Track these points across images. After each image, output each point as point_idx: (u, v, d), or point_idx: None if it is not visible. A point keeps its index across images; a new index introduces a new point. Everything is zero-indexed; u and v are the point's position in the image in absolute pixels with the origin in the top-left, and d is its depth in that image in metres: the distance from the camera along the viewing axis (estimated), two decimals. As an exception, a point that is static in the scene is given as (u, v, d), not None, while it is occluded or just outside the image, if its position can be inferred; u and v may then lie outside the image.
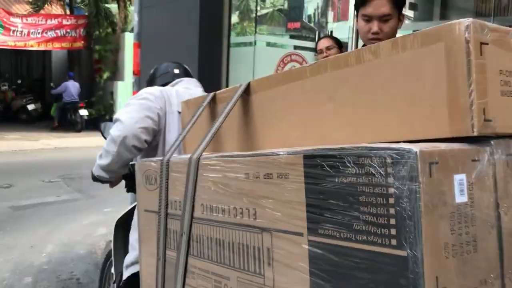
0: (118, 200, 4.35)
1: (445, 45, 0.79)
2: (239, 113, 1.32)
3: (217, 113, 1.39)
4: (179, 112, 1.91)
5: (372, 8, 1.97)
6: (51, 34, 14.17)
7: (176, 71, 2.39)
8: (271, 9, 17.00)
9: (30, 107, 15.34)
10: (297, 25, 15.21)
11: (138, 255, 1.74)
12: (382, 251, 0.72)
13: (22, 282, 3.99)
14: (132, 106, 1.95)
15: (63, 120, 14.36)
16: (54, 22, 14.33)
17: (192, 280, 1.23)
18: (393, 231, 0.70)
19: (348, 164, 0.77)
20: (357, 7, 2.03)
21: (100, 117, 14.01)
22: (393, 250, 0.71)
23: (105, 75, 14.68)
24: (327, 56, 3.03)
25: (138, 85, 5.03)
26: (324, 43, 3.33)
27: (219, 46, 4.18)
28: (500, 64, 0.80)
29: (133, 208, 2.24)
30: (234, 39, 4.40)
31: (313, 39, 9.28)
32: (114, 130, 1.89)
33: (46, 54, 17.49)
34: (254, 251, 1.00)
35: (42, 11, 15.27)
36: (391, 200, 0.71)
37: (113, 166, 1.97)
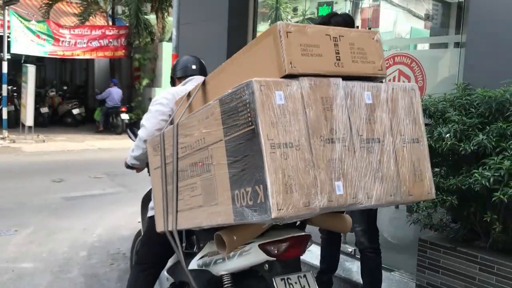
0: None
1: (273, 36, 1.67)
2: (201, 95, 2.30)
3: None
4: None
5: None
6: (95, 44, 15.13)
7: (193, 67, 3.05)
8: (301, 18, 17.56)
9: (75, 111, 16.27)
10: (325, 33, 15.71)
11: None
12: (249, 129, 1.56)
13: (79, 255, 4.77)
14: (150, 113, 2.78)
15: (106, 123, 15.28)
16: (98, 32, 15.31)
17: (180, 195, 2.12)
18: (250, 119, 1.54)
19: (233, 96, 1.62)
20: None
21: (139, 121, 14.89)
22: (251, 127, 1.55)
23: (144, 82, 15.55)
24: None
25: (175, 91, 5.80)
26: None
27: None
28: (300, 41, 1.67)
29: None
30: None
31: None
32: (141, 133, 2.76)
33: (89, 62, 18.48)
34: (206, 160, 1.86)
35: (87, 23, 16.30)
36: (248, 106, 1.55)
37: (142, 156, 2.81)
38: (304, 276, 2.15)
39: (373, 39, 1.88)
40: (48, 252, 4.79)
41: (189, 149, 1.98)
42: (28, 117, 12.80)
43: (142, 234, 3.08)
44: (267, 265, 2.14)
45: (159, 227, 2.39)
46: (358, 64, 1.82)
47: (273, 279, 2.08)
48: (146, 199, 3.21)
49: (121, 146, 12.41)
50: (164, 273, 2.93)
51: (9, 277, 4.13)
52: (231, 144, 1.66)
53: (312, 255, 3.94)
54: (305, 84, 1.65)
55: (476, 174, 2.23)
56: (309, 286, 2.12)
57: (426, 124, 3.24)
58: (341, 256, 3.59)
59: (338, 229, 2.30)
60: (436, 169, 2.61)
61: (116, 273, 4.32)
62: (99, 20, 17.44)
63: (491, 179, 2.16)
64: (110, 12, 17.21)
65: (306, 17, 19.06)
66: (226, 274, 2.31)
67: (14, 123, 13.91)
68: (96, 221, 5.92)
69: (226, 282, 2.32)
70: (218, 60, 4.93)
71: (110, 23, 16.95)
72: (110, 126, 15.14)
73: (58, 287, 3.99)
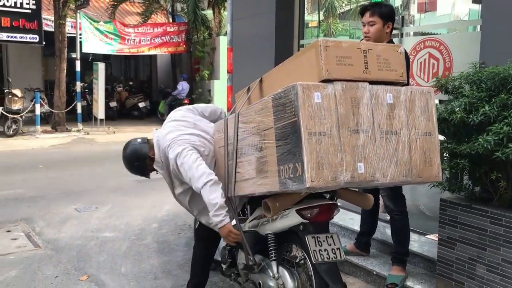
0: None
1: (315, 49, 2.11)
2: (259, 90, 2.75)
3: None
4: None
5: (364, 18, 3.35)
6: (158, 40, 16.03)
7: (139, 140, 3.31)
8: (354, 5, 17.60)
9: (141, 105, 17.31)
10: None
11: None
12: (292, 120, 2.04)
13: (151, 226, 5.47)
14: (196, 168, 2.80)
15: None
16: (160, 30, 16.19)
17: (238, 169, 2.64)
18: (294, 113, 2.01)
19: (283, 95, 2.08)
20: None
21: (200, 111, 15.66)
22: (294, 118, 2.01)
23: (205, 74, 16.29)
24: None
25: (231, 81, 6.34)
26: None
27: (290, 48, 5.30)
28: (336, 53, 2.10)
29: None
30: (303, 41, 5.51)
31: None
32: (215, 200, 2.88)
33: (152, 58, 19.52)
34: (259, 143, 2.33)
35: (149, 21, 17.27)
36: (292, 102, 2.01)
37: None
38: (331, 236, 2.63)
39: (397, 51, 2.31)
40: (125, 224, 5.54)
41: (247, 133, 2.49)
42: (100, 110, 13.91)
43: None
44: (301, 226, 2.65)
45: None
46: (383, 72, 2.25)
47: (305, 236, 2.59)
48: None
49: (184, 136, 13.24)
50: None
51: (95, 243, 4.88)
52: (279, 131, 2.15)
53: (354, 222, 4.41)
54: (338, 87, 2.10)
55: (480, 139, 2.62)
56: (335, 244, 2.60)
57: (442, 101, 3.62)
58: (379, 223, 4.03)
59: (361, 205, 2.80)
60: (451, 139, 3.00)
61: (184, 240, 4.97)
62: (159, 17, 18.37)
63: (492, 142, 2.54)
64: (170, 10, 18.10)
65: (359, 3, 19.03)
66: (271, 233, 2.88)
67: (87, 116, 15.10)
68: (164, 199, 6.57)
69: (270, 240, 2.89)
70: (268, 51, 5.48)
71: (170, 20, 17.81)
72: (173, 117, 15.98)
73: (135, 250, 4.69)
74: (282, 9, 5.33)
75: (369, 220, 3.91)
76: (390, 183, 2.24)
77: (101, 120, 14.02)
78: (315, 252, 2.54)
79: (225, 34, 16.80)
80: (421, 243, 3.86)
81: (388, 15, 3.31)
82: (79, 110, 14.14)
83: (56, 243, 4.88)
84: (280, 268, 2.86)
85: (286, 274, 2.82)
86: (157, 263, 4.35)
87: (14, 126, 12.55)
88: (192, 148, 2.88)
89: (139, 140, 3.32)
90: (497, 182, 2.75)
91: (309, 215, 2.58)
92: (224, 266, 3.47)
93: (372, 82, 2.21)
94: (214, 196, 2.70)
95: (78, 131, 13.64)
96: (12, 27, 12.70)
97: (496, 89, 2.78)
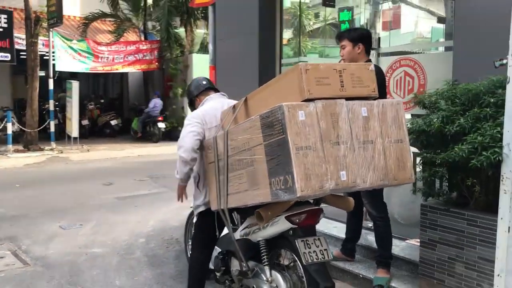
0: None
1: (296, 72, 2.37)
2: (244, 109, 2.94)
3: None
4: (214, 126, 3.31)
5: (340, 43, 3.76)
6: (131, 58, 16.10)
7: (204, 82, 3.65)
8: (322, 24, 18.11)
9: (113, 122, 17.18)
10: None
11: (199, 202, 3.45)
12: (281, 137, 2.27)
13: (138, 241, 5.56)
14: (186, 135, 3.22)
15: (143, 132, 16.16)
16: (133, 48, 16.29)
17: (230, 183, 2.85)
18: (282, 130, 2.26)
19: (270, 114, 2.33)
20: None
21: (173, 128, 15.75)
22: (282, 135, 2.26)
23: (179, 92, 16.39)
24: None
25: (213, 99, 6.53)
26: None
27: (273, 67, 5.55)
28: (315, 75, 2.35)
29: None
30: (283, 61, 5.79)
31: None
32: (182, 153, 3.20)
33: (123, 75, 19.49)
34: (250, 158, 2.54)
35: (121, 39, 17.32)
36: (280, 121, 2.26)
37: (189, 173, 3.35)
38: (319, 239, 2.89)
39: (368, 69, 2.60)
40: (112, 240, 5.62)
41: (237, 149, 2.73)
42: (73, 129, 13.82)
43: (194, 228, 3.83)
44: (291, 231, 2.91)
45: (214, 207, 3.19)
46: (357, 88, 2.52)
47: (295, 240, 2.84)
48: None
49: (159, 153, 13.28)
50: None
51: (84, 259, 4.96)
52: (268, 147, 2.39)
53: (338, 229, 4.66)
54: (319, 105, 2.35)
55: (456, 148, 2.92)
56: (322, 246, 2.87)
57: (420, 115, 3.94)
58: (363, 231, 4.29)
59: (343, 208, 3.10)
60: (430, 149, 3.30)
61: (173, 253, 5.10)
62: (131, 36, 18.45)
63: (466, 151, 2.85)
64: (142, 28, 18.18)
65: (327, 22, 19.60)
66: (262, 240, 3.12)
67: (58, 135, 14.92)
68: (148, 215, 6.74)
69: (262, 246, 3.13)
70: (252, 71, 5.71)
71: (143, 38, 17.92)
72: (147, 135, 16.03)
73: (127, 264, 4.79)
74: (264, 30, 5.59)
75: (354, 227, 4.17)
76: (370, 187, 2.51)
77: (75, 138, 13.93)
78: (305, 254, 2.78)
79: (198, 51, 17.06)
80: (402, 247, 4.14)
81: (356, 38, 3.70)
82: (52, 129, 14.00)
83: (45, 259, 4.94)
84: (273, 272, 3.09)
85: (278, 277, 3.05)
86: (151, 276, 4.47)
87: (-16, 146, 12.36)
88: (199, 123, 3.25)
89: (204, 82, 3.67)
90: (472, 187, 3.05)
91: (297, 221, 2.83)
92: (218, 274, 3.66)
93: (348, 98, 2.46)
94: (178, 168, 3.29)
95: (51, 149, 13.51)
96: (-16, 45, 12.60)
97: (469, 103, 3.10)
